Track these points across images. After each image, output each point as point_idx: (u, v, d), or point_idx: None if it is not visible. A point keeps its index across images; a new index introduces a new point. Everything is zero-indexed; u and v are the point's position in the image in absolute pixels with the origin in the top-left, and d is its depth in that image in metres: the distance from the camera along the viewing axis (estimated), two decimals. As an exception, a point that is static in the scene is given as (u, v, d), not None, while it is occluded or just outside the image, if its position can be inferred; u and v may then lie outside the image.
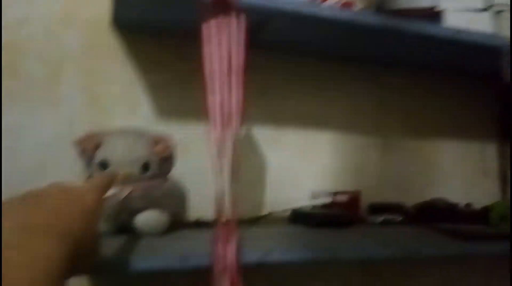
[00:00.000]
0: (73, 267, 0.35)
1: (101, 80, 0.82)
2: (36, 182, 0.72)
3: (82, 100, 0.80)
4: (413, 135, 1.10)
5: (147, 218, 0.66)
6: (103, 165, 0.66)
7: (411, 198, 1.04)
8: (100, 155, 0.66)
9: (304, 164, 0.98)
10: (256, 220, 0.86)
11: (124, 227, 0.66)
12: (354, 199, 0.95)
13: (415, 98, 1.10)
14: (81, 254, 0.37)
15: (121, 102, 0.83)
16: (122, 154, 0.66)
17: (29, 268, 0.29)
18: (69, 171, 0.77)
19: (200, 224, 0.80)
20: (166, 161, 0.70)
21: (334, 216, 0.83)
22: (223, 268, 0.56)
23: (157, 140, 0.69)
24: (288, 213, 0.89)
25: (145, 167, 0.68)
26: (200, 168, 0.73)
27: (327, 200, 0.91)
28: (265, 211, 0.91)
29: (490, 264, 1.10)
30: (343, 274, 0.98)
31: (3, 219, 0.33)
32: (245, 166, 0.91)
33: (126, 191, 0.65)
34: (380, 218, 0.91)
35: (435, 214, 0.94)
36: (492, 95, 1.18)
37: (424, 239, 0.76)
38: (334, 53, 0.99)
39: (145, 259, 0.55)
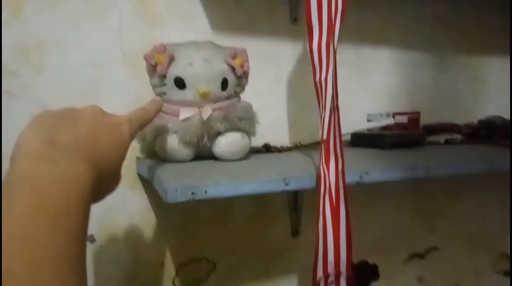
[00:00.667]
0: (96, 194, 0.34)
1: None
2: (87, 102, 0.66)
3: (132, 10, 0.69)
4: (466, 51, 1.03)
5: (230, 142, 0.59)
6: (179, 82, 0.57)
7: (463, 118, 1.01)
8: (174, 71, 0.57)
9: (360, 85, 0.92)
10: (317, 144, 0.81)
11: (206, 150, 0.60)
12: (413, 120, 0.91)
13: (467, 14, 1.02)
14: (104, 182, 0.36)
15: (174, 13, 0.72)
16: (200, 70, 0.57)
17: (61, 182, 0.29)
18: (122, 90, 0.69)
19: (269, 149, 0.74)
20: (242, 77, 0.62)
21: (409, 136, 0.79)
22: (326, 190, 0.52)
23: (234, 54, 0.60)
24: (348, 137, 0.85)
25: (224, 84, 0.60)
26: (258, 91, 0.65)
27: (389, 121, 0.86)
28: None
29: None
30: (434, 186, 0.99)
31: (32, 127, 0.33)
32: (302, 87, 0.84)
33: (207, 111, 0.58)
34: (443, 138, 0.88)
35: (494, 132, 0.92)
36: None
37: (500, 154, 0.75)
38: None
39: (247, 182, 0.51)
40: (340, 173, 0.51)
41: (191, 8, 0.74)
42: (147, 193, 0.71)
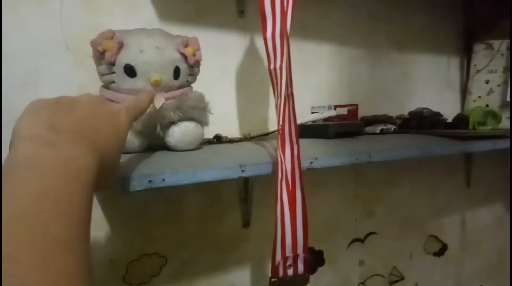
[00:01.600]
0: (99, 182, 0.33)
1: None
2: (28, 94, 0.62)
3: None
4: (396, 48, 1.12)
5: (184, 131, 0.59)
6: (129, 69, 0.55)
7: (394, 110, 1.09)
8: (124, 58, 0.55)
9: (303, 79, 0.95)
10: (266, 135, 0.83)
11: (158, 141, 0.59)
12: (353, 112, 0.97)
13: (400, 11, 1.11)
14: (105, 171, 0.35)
15: (120, 0, 0.69)
16: (151, 57, 0.56)
17: (64, 166, 0.28)
18: (64, 80, 0.65)
19: (220, 140, 0.74)
20: (194, 67, 0.62)
21: (350, 127, 0.84)
22: (283, 176, 0.53)
23: (185, 42, 0.59)
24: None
25: (176, 72, 0.59)
26: (207, 82, 0.66)
27: (332, 113, 0.91)
28: (272, 127, 0.88)
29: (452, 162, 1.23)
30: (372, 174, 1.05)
31: (29, 113, 0.32)
32: (250, 79, 0.85)
33: (159, 100, 0.57)
34: (379, 128, 0.94)
35: (422, 122, 1.01)
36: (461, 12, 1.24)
37: (429, 142, 0.82)
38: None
39: (204, 170, 0.51)
40: (296, 158, 0.53)
41: (136, -3, 0.71)
42: (93, 189, 0.67)
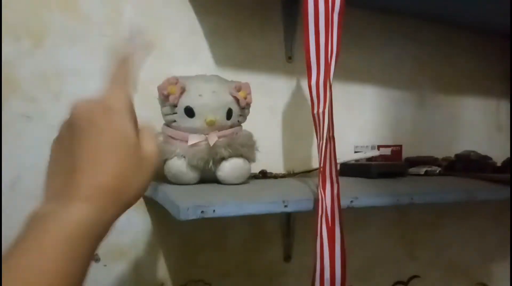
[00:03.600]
0: (120, 207, 0.33)
1: (160, 24, 0.77)
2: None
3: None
4: (442, 91, 1.13)
5: (233, 167, 0.64)
6: (189, 111, 0.63)
7: (440, 151, 1.09)
8: (185, 101, 0.63)
9: (347, 119, 0.99)
10: (309, 172, 0.86)
11: (209, 174, 0.65)
12: (396, 152, 0.98)
13: (446, 54, 1.13)
14: (125, 193, 0.34)
15: (181, 48, 0.78)
16: (208, 100, 0.63)
17: (57, 231, 0.28)
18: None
19: (265, 175, 0.79)
20: (245, 109, 0.68)
21: (393, 167, 0.86)
22: (323, 213, 0.57)
23: (239, 87, 0.66)
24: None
25: (229, 113, 0.65)
26: (255, 122, 0.72)
27: (375, 153, 0.93)
28: (314, 165, 0.92)
29: None
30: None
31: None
32: (295, 119, 0.90)
33: (213, 138, 0.63)
34: (423, 170, 0.95)
35: (469, 166, 1.00)
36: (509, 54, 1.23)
37: (476, 186, 0.82)
38: (375, 4, 0.98)
39: (250, 204, 0.56)
40: (336, 197, 0.57)
41: (196, 45, 0.80)
42: (150, 215, 0.74)
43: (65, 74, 0.70)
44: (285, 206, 0.58)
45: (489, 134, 1.20)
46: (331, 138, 0.58)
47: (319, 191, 0.57)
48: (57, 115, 0.68)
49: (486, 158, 1.03)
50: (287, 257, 0.88)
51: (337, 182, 0.57)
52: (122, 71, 0.39)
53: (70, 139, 0.33)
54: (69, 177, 0.31)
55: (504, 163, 1.04)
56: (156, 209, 0.74)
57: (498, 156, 1.10)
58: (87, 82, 0.71)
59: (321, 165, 0.57)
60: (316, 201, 0.59)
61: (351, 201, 0.63)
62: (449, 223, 1.10)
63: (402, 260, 1.03)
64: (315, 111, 0.58)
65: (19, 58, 0.67)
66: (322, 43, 0.57)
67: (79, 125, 0.33)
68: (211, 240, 0.80)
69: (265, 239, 0.86)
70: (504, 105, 1.24)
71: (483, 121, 1.20)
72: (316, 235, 0.56)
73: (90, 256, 0.30)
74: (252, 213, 0.55)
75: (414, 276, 1.05)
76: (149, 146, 0.37)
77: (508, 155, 1.23)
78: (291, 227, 0.88)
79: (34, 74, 0.68)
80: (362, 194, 0.65)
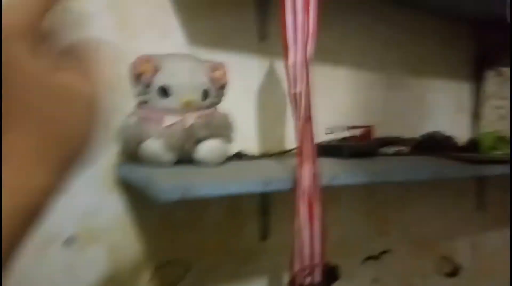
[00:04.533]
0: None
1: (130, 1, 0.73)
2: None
3: (111, 21, 0.72)
4: (410, 73, 1.16)
5: (211, 148, 0.64)
6: (164, 90, 0.61)
7: (408, 132, 1.12)
8: (160, 80, 0.61)
9: (320, 100, 1.00)
10: (284, 154, 0.87)
11: (186, 156, 0.64)
12: (367, 133, 1.00)
13: (414, 38, 1.15)
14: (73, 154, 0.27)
15: (151, 25, 0.75)
16: (184, 80, 0.62)
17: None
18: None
19: (241, 157, 0.79)
20: (221, 89, 0.67)
21: (364, 147, 0.88)
22: (303, 191, 0.57)
23: (214, 67, 0.65)
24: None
25: (205, 94, 0.64)
26: (228, 103, 0.71)
27: (346, 134, 0.95)
28: (288, 146, 0.92)
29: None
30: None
31: None
32: (269, 100, 0.90)
33: (190, 119, 0.62)
34: (392, 150, 0.98)
35: (435, 146, 1.04)
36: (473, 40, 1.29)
37: (443, 165, 0.85)
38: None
39: (232, 183, 0.55)
40: (315, 176, 0.57)
41: (167, 22, 0.78)
42: (124, 197, 0.73)
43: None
44: (266, 185, 0.58)
45: (452, 115, 1.26)
46: (308, 119, 0.58)
47: (298, 171, 0.57)
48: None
49: (449, 139, 1.08)
50: (264, 236, 0.89)
51: (316, 162, 0.58)
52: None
53: None
54: None
55: (466, 143, 1.09)
56: (130, 191, 0.72)
57: (460, 136, 1.16)
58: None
59: (299, 145, 0.58)
60: (295, 180, 0.59)
61: (331, 180, 0.64)
62: (416, 200, 1.15)
63: (372, 236, 1.07)
64: (293, 92, 0.58)
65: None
66: (299, 21, 0.57)
67: None
68: (188, 220, 0.79)
69: (242, 218, 0.86)
70: (467, 87, 1.30)
71: (447, 102, 1.25)
72: (295, 213, 0.57)
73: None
74: (233, 193, 0.55)
75: (385, 251, 1.09)
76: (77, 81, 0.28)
77: (470, 135, 1.30)
78: (267, 207, 0.88)
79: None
80: (338, 173, 0.66)
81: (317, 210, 0.57)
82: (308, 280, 0.57)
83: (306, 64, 0.57)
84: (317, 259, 0.57)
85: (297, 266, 0.56)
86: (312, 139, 0.58)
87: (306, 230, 0.56)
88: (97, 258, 0.71)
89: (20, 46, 0.24)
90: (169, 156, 0.62)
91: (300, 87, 0.57)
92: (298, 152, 0.57)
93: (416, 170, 0.78)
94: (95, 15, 0.70)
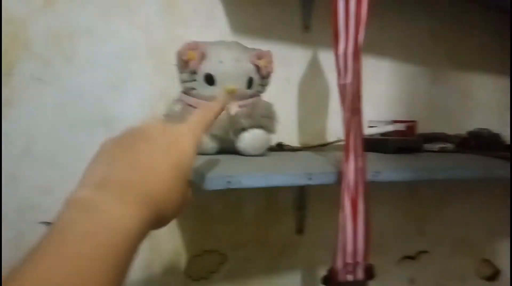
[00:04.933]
0: (156, 224, 0.32)
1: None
2: (116, 95, 0.68)
3: (159, 8, 0.72)
4: (456, 67, 1.11)
5: (254, 138, 0.63)
6: (209, 78, 0.60)
7: (452, 128, 1.07)
8: (205, 68, 0.60)
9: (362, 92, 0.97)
10: (324, 146, 0.85)
11: (228, 145, 0.63)
12: (411, 128, 0.97)
13: (461, 29, 1.10)
14: (166, 212, 0.33)
15: (197, 13, 0.75)
16: (229, 68, 0.61)
17: (97, 234, 0.26)
18: (147, 84, 0.71)
19: (282, 148, 0.78)
20: (266, 78, 0.66)
21: (409, 142, 0.85)
22: (347, 186, 0.56)
23: (260, 55, 0.64)
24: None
25: (250, 82, 0.63)
26: (270, 93, 0.69)
27: (390, 128, 0.92)
28: (329, 138, 0.90)
29: None
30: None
31: (93, 162, 0.32)
32: (311, 91, 0.88)
33: (234, 107, 0.61)
34: (437, 146, 0.94)
35: (481, 143, 0.99)
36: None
37: (492, 163, 0.81)
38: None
39: (276, 175, 0.54)
40: (360, 170, 0.55)
41: (212, 10, 0.77)
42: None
43: (77, 35, 0.67)
44: (310, 178, 0.56)
45: (500, 112, 1.19)
46: (357, 110, 0.56)
47: (343, 164, 0.55)
48: (70, 78, 0.67)
49: (497, 137, 1.02)
50: (300, 230, 0.87)
51: (363, 156, 0.56)
52: (203, 115, 0.41)
53: (131, 142, 0.33)
54: (120, 172, 0.30)
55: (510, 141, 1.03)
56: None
57: (508, 134, 1.10)
58: (101, 44, 0.68)
59: (346, 137, 0.56)
60: (339, 174, 0.58)
61: (374, 175, 0.62)
62: (457, 200, 1.11)
63: (410, 235, 1.04)
64: (342, 82, 0.56)
65: (31, 16, 0.63)
66: (352, 8, 0.55)
67: (146, 135, 0.35)
68: (225, 212, 0.79)
69: (278, 211, 0.85)
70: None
71: (494, 98, 1.19)
72: (340, 208, 0.55)
73: (126, 271, 0.28)
74: (277, 185, 0.54)
75: (422, 251, 1.06)
76: (181, 129, 0.38)
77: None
78: (304, 200, 0.87)
79: (46, 35, 0.65)
80: (383, 168, 0.64)
81: (361, 206, 0.56)
82: (349, 277, 0.56)
83: (357, 53, 0.55)
84: (360, 257, 0.55)
85: (339, 262, 0.55)
86: (360, 132, 0.56)
87: (350, 226, 0.55)
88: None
89: (194, 152, 0.37)
90: (211, 145, 0.62)
91: (350, 78, 0.55)
92: (345, 144, 0.55)
93: (464, 168, 0.74)
94: (143, 2, 0.71)
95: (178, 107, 0.63)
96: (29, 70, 0.64)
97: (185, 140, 0.37)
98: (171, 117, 0.62)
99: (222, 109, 0.45)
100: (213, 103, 0.44)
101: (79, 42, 0.67)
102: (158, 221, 0.32)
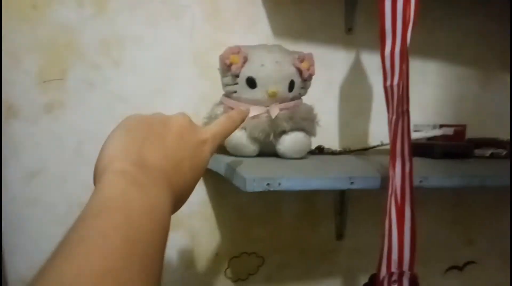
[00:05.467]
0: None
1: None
2: (159, 99, 0.70)
3: (202, 14, 0.73)
4: (508, 69, 1.04)
5: (294, 140, 0.62)
6: (251, 81, 0.61)
7: (503, 133, 1.01)
8: (247, 71, 0.61)
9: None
10: (366, 150, 0.83)
11: (268, 148, 0.63)
12: (459, 132, 0.92)
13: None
14: (177, 205, 0.34)
15: (239, 17, 0.76)
16: (270, 71, 0.61)
17: (150, 213, 0.26)
18: (190, 88, 0.73)
19: (322, 151, 0.77)
20: (307, 81, 0.65)
21: (458, 147, 0.81)
22: (392, 190, 0.54)
23: (302, 57, 0.63)
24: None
25: (291, 85, 0.63)
26: (312, 95, 0.68)
27: (437, 132, 0.88)
28: (371, 142, 0.88)
29: None
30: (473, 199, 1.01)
31: (121, 134, 0.32)
32: (353, 94, 0.86)
33: (275, 110, 0.61)
34: (489, 152, 0.89)
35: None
36: None
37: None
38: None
39: (316, 178, 0.53)
40: (408, 175, 0.53)
41: (255, 14, 0.78)
42: (206, 186, 0.74)
43: (125, 41, 0.69)
44: (351, 182, 0.55)
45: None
46: (404, 113, 0.54)
47: (390, 169, 0.54)
48: (118, 83, 0.70)
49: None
50: (340, 236, 0.86)
51: (410, 160, 0.54)
52: (225, 125, 0.43)
53: (162, 132, 0.35)
54: (154, 156, 0.31)
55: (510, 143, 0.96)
56: (212, 181, 0.74)
57: None
58: (147, 49, 0.70)
59: (392, 141, 0.54)
60: (383, 179, 0.56)
61: (420, 181, 0.59)
62: (507, 209, 1.04)
63: (458, 244, 0.99)
64: (388, 84, 0.54)
65: (82, 24, 0.67)
66: (399, 8, 0.53)
67: (177, 131, 0.36)
68: (265, 215, 0.79)
69: (317, 216, 0.84)
70: None
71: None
72: (385, 214, 0.53)
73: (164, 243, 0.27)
74: (317, 188, 0.53)
75: (470, 262, 1.00)
76: (205, 132, 0.39)
77: None
78: (344, 205, 0.85)
79: (96, 41, 0.68)
80: (430, 174, 0.61)
81: (408, 213, 0.53)
82: (394, 286, 0.54)
83: (404, 53, 0.53)
84: (406, 266, 0.53)
85: (384, 271, 0.53)
86: (407, 135, 0.54)
87: (395, 233, 0.53)
88: (181, 244, 0.74)
89: (209, 158, 0.39)
90: (252, 147, 0.62)
91: (397, 79, 0.53)
92: (391, 148, 0.54)
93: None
94: (187, 7, 0.72)
95: (219, 110, 0.64)
96: (80, 75, 0.67)
97: (206, 148, 0.38)
98: (212, 119, 0.63)
99: (243, 120, 0.46)
100: (234, 114, 0.45)
101: (127, 48, 0.69)
102: (175, 197, 0.32)
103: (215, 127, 0.41)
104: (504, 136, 1.00)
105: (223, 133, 0.42)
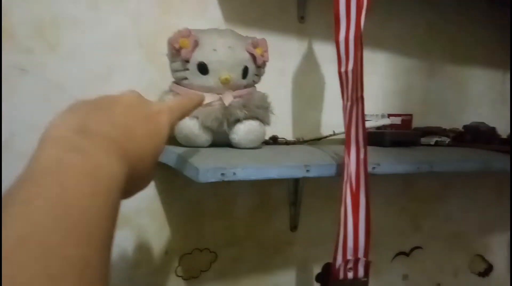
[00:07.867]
0: (126, 190, 0.29)
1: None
2: (102, 86, 0.65)
3: (148, -5, 0.68)
4: (452, 60, 1.09)
5: (249, 129, 0.60)
6: (202, 67, 0.57)
7: (447, 122, 1.06)
8: (198, 56, 0.57)
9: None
10: (319, 140, 0.83)
11: (222, 137, 0.60)
12: (407, 122, 0.95)
13: (458, 25, 1.08)
14: (134, 179, 0.31)
15: (189, 1, 0.72)
16: (223, 56, 0.58)
17: (89, 176, 0.24)
18: (136, 75, 0.68)
19: (276, 141, 0.75)
20: (261, 67, 0.63)
21: (406, 136, 0.83)
22: (347, 178, 0.53)
23: (255, 43, 0.61)
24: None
25: (245, 71, 0.60)
26: (264, 85, 0.66)
27: (386, 121, 0.90)
28: (324, 132, 0.88)
29: None
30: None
31: (65, 113, 0.29)
32: (306, 83, 0.86)
33: (228, 98, 0.58)
34: (433, 140, 0.93)
35: (478, 136, 0.98)
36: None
37: (490, 156, 0.80)
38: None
39: (272, 167, 0.52)
40: (362, 162, 0.53)
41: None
42: (155, 180, 0.70)
43: (62, 23, 0.63)
44: (307, 170, 0.54)
45: (494, 106, 1.18)
46: (359, 99, 0.53)
47: (345, 156, 0.53)
48: (54, 69, 0.63)
49: (493, 130, 1.02)
50: (294, 227, 0.85)
51: (364, 147, 0.54)
52: (182, 103, 0.42)
53: (108, 105, 0.32)
54: (99, 125, 0.29)
55: (510, 135, 1.03)
56: (161, 174, 0.70)
57: (502, 128, 1.09)
58: (88, 32, 0.64)
59: (347, 128, 0.54)
60: (338, 166, 0.55)
61: (373, 168, 0.60)
62: (452, 195, 1.10)
63: (405, 231, 1.02)
64: (343, 70, 0.54)
65: (11, 2, 0.59)
66: (353, -6, 0.52)
67: (125, 102, 0.33)
68: (217, 209, 0.77)
69: (271, 208, 0.83)
70: (509, 77, 1.22)
71: (490, 93, 1.18)
72: (341, 202, 0.53)
73: (116, 221, 0.25)
74: (273, 177, 0.52)
75: (416, 247, 1.04)
76: (159, 105, 0.37)
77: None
78: (298, 196, 0.85)
79: (29, 22, 0.61)
80: (382, 161, 0.62)
81: (362, 200, 0.53)
82: (351, 274, 0.53)
83: (358, 39, 0.52)
84: (361, 253, 0.53)
85: (340, 259, 0.53)
86: (362, 122, 0.54)
87: (350, 221, 0.53)
88: (125, 243, 0.69)
89: (168, 129, 0.37)
90: (204, 137, 0.59)
91: (351, 65, 0.53)
92: (346, 135, 0.53)
93: (463, 161, 0.73)
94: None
95: (168, 98, 0.60)
96: (11, 60, 0.60)
97: (163, 118, 0.36)
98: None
99: (201, 104, 0.45)
100: (194, 95, 0.44)
101: (64, 31, 0.63)
102: (129, 185, 0.30)
103: (171, 102, 0.40)
104: (447, 125, 1.04)
105: (180, 107, 0.40)
